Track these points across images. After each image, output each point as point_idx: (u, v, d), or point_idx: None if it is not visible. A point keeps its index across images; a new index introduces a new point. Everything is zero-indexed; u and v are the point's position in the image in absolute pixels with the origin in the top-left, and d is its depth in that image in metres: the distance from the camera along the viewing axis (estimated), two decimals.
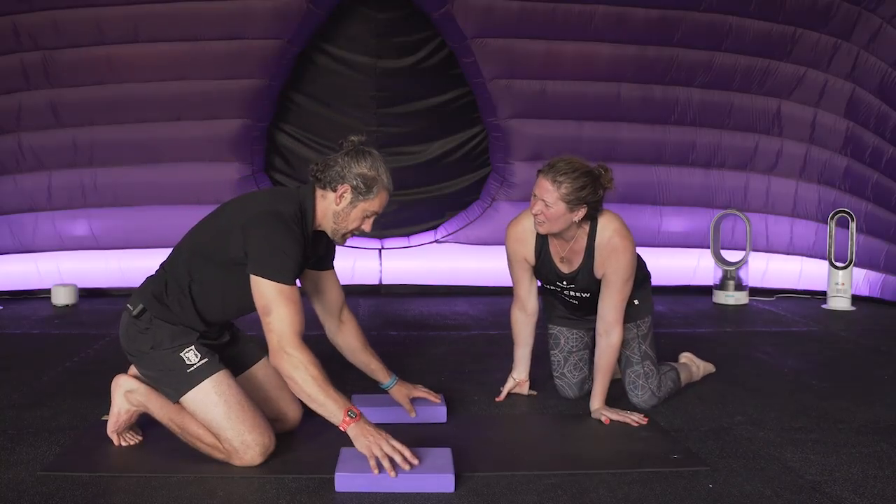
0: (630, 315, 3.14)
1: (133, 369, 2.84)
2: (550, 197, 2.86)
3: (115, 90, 5.64)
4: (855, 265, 5.75)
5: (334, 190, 2.62)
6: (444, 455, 2.49)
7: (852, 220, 5.66)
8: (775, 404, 3.28)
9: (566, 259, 3.07)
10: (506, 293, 6.13)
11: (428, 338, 4.59)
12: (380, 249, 6.13)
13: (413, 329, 4.83)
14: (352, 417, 2.38)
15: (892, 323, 5.24)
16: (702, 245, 6.15)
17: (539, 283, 3.26)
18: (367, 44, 6.07)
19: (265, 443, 2.53)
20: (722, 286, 5.90)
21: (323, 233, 2.71)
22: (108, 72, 5.60)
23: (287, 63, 5.81)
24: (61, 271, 5.84)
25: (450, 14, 5.64)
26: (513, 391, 3.36)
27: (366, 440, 2.37)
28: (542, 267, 3.14)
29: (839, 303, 5.66)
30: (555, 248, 3.08)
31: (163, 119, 5.72)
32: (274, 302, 2.42)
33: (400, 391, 3.01)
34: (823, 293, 5.91)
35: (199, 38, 5.57)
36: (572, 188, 2.84)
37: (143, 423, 2.77)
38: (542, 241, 3.09)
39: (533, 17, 5.70)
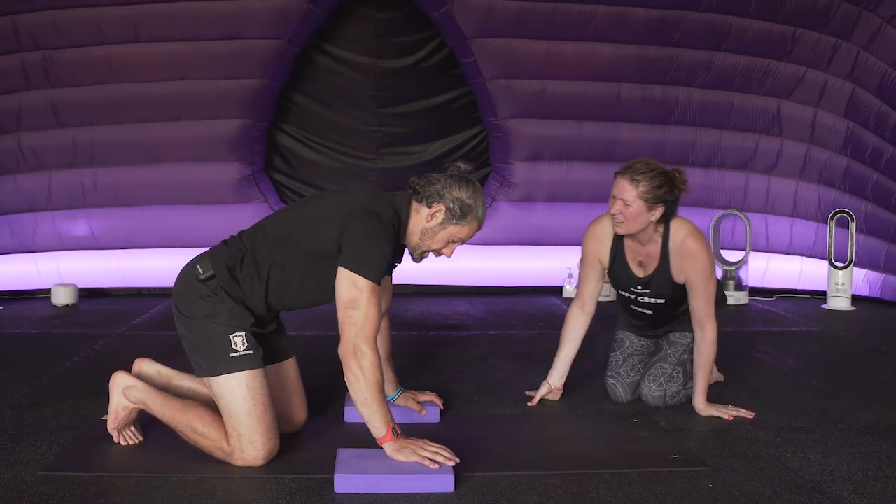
0: (691, 327, 3.15)
1: (137, 363, 2.84)
2: (629, 195, 2.91)
3: (115, 90, 5.64)
4: (855, 265, 5.75)
5: (429, 206, 2.63)
6: None
7: (852, 220, 5.66)
8: (775, 404, 3.27)
9: (642, 263, 3.10)
10: (505, 293, 6.18)
11: (428, 338, 4.59)
12: None
13: (413, 329, 4.83)
14: (395, 435, 2.41)
15: (892, 323, 5.24)
16: None
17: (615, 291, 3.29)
18: (367, 44, 6.08)
19: (271, 448, 2.53)
20: (722, 286, 5.89)
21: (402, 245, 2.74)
22: (108, 72, 5.60)
23: (287, 63, 5.81)
24: (61, 271, 5.83)
25: (450, 14, 5.64)
26: (545, 398, 3.28)
27: (410, 450, 2.40)
28: (617, 271, 3.17)
29: (839, 303, 5.66)
30: (630, 252, 3.12)
31: (163, 119, 5.72)
32: (364, 299, 2.42)
33: (405, 398, 3.02)
34: (823, 293, 5.91)
35: (199, 38, 5.57)
36: (650, 186, 2.89)
37: (144, 423, 2.77)
38: (617, 245, 3.13)
39: (533, 17, 5.70)
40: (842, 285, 5.65)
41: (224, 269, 2.60)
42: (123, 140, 5.71)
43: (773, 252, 6.28)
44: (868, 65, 5.75)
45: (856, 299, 5.80)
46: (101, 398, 3.01)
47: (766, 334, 4.75)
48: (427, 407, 3.01)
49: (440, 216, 2.62)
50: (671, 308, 3.18)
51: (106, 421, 2.75)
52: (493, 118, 5.98)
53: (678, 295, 3.12)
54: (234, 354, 2.53)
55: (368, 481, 2.33)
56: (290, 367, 2.85)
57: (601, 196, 6.07)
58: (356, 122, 6.20)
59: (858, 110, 5.86)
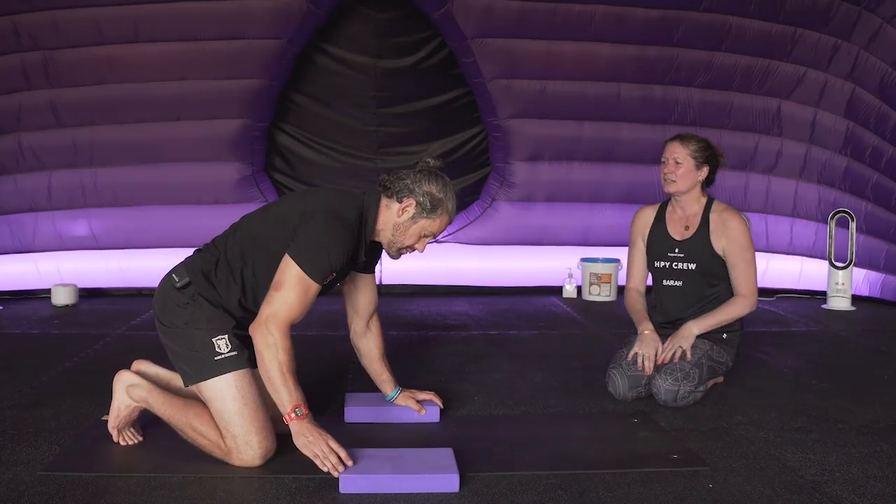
0: (714, 338, 3.29)
1: (136, 364, 2.83)
2: (681, 154, 3.30)
3: (115, 90, 5.64)
4: (855, 265, 5.75)
5: (400, 201, 2.64)
6: (446, 455, 2.48)
7: (852, 220, 5.66)
8: (775, 404, 3.27)
9: (681, 226, 3.38)
10: (505, 293, 6.18)
11: (428, 338, 4.59)
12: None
13: (413, 329, 4.83)
14: (298, 415, 2.42)
15: (892, 323, 5.24)
16: None
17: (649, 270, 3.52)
18: (367, 44, 6.08)
19: (267, 446, 2.53)
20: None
21: (378, 243, 2.75)
22: (108, 72, 5.60)
23: (287, 63, 5.81)
24: (61, 271, 5.83)
25: (450, 14, 5.64)
26: (647, 349, 3.22)
27: (305, 439, 2.40)
28: (656, 238, 3.44)
29: (839, 303, 5.66)
30: (671, 222, 3.42)
31: (163, 119, 5.72)
32: (290, 285, 2.44)
33: (405, 397, 3.02)
34: (823, 293, 5.91)
35: (199, 38, 5.57)
36: (699, 147, 3.32)
37: (144, 423, 2.77)
38: (658, 220, 3.46)
39: (533, 17, 5.70)
40: (842, 285, 5.65)
41: (199, 275, 2.61)
42: (123, 140, 5.71)
43: (773, 252, 6.28)
44: (868, 65, 5.76)
45: (856, 299, 5.80)
46: (101, 398, 3.01)
47: (766, 334, 4.75)
48: (427, 406, 3.01)
49: (411, 210, 2.64)
50: (701, 281, 3.34)
51: (106, 421, 2.75)
52: (493, 118, 5.98)
53: (710, 267, 3.31)
54: (219, 357, 2.54)
55: (373, 481, 2.33)
56: None
57: (601, 196, 6.17)
58: (356, 122, 6.20)
59: (858, 110, 5.86)
